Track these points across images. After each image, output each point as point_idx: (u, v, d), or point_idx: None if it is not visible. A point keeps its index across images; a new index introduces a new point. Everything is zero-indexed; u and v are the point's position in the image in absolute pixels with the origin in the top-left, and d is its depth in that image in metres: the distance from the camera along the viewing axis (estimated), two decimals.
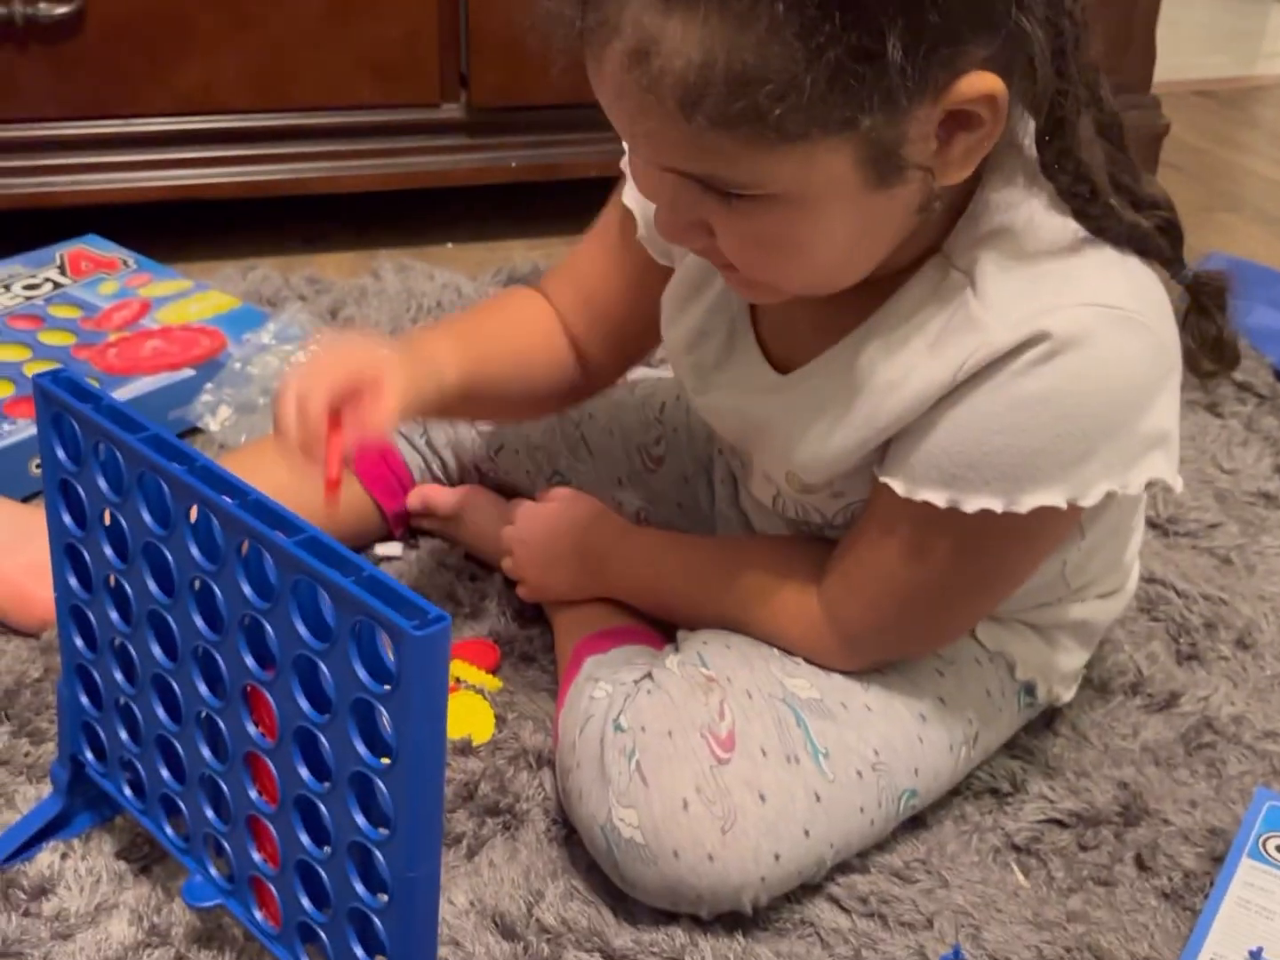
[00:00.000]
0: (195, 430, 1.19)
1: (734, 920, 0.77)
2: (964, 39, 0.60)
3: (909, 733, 0.80)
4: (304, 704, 0.61)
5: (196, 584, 0.66)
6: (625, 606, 0.91)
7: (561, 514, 0.93)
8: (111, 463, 0.69)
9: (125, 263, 1.36)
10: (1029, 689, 0.86)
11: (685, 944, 0.76)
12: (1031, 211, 0.69)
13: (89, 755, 0.78)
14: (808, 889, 0.80)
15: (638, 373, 1.06)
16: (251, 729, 0.65)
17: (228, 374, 1.20)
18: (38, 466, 1.10)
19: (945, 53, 0.59)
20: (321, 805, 0.63)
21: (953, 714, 0.82)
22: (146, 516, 0.67)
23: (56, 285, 1.31)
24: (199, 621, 0.66)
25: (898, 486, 0.72)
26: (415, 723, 0.56)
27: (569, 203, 1.67)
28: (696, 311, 0.82)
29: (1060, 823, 0.85)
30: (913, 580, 0.75)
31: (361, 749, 0.59)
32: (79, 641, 0.75)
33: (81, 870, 0.78)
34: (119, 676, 0.73)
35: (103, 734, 0.77)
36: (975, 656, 0.84)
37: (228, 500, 0.62)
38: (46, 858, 0.79)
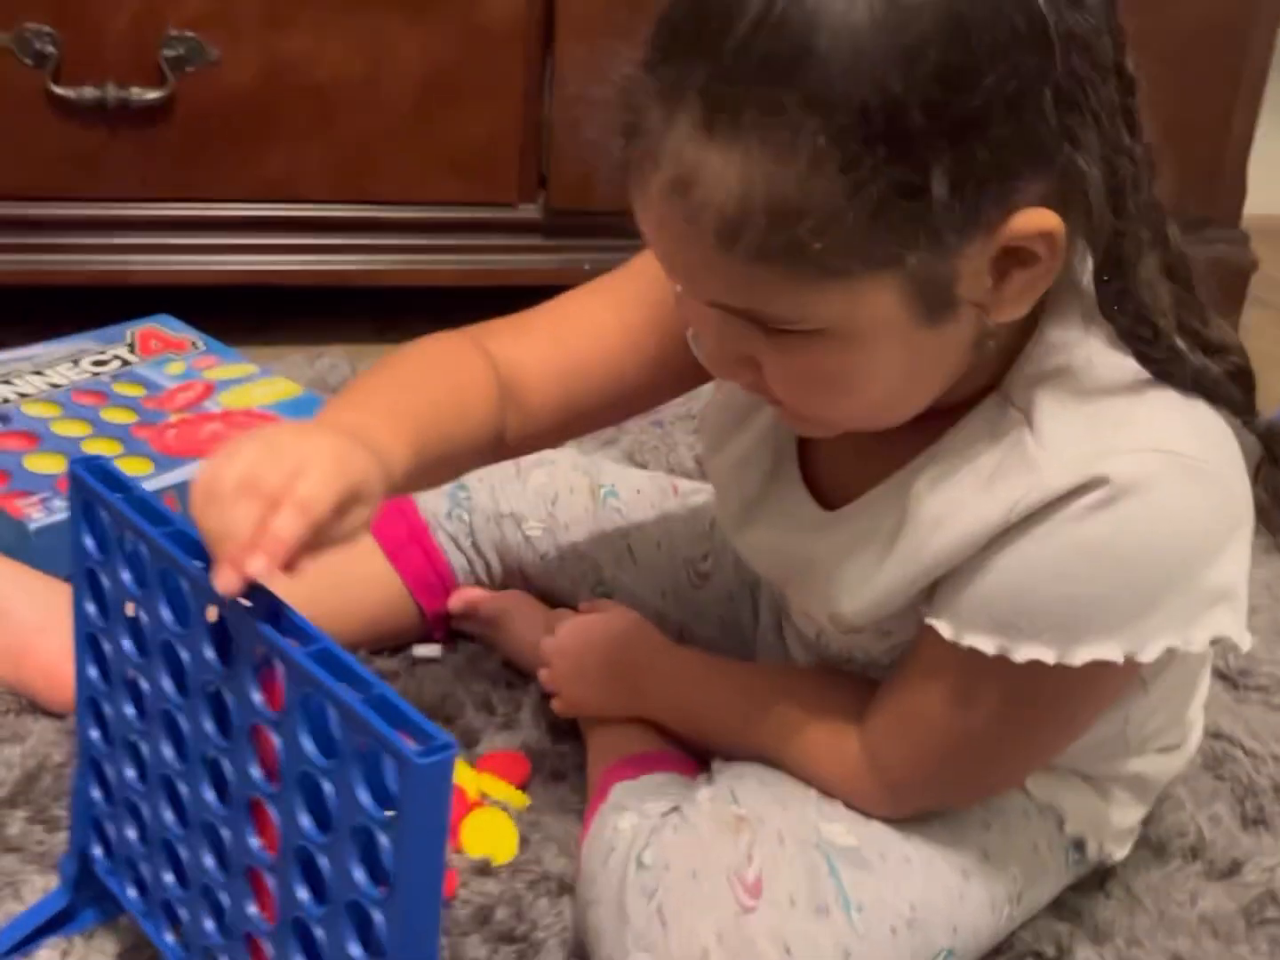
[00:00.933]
0: None
1: None
2: (1016, 174, 0.58)
3: (950, 888, 0.75)
4: (305, 823, 0.59)
5: (210, 687, 0.64)
6: (662, 730, 0.88)
7: (601, 627, 0.91)
8: (135, 555, 0.67)
9: (194, 344, 1.37)
10: (1078, 845, 0.82)
11: None
12: (1090, 351, 0.66)
13: (97, 851, 0.76)
14: None
15: (687, 484, 1.04)
16: (254, 842, 0.63)
17: None
18: None
19: (996, 189, 0.58)
20: (317, 929, 0.60)
21: (997, 869, 0.77)
22: (166, 613, 0.65)
23: (125, 363, 1.32)
24: (209, 726, 0.64)
25: (944, 630, 0.68)
26: (414, 852, 0.53)
27: None
28: (744, 440, 0.79)
29: None
30: (958, 729, 0.71)
31: (359, 876, 0.56)
32: (94, 733, 0.74)
33: None
34: (130, 774, 0.71)
35: (111, 831, 0.74)
36: (1023, 809, 0.79)
37: (244, 603, 0.60)
38: (46, 955, 0.77)
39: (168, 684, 0.66)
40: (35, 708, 0.95)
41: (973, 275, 0.60)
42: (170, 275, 1.45)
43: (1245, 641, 0.68)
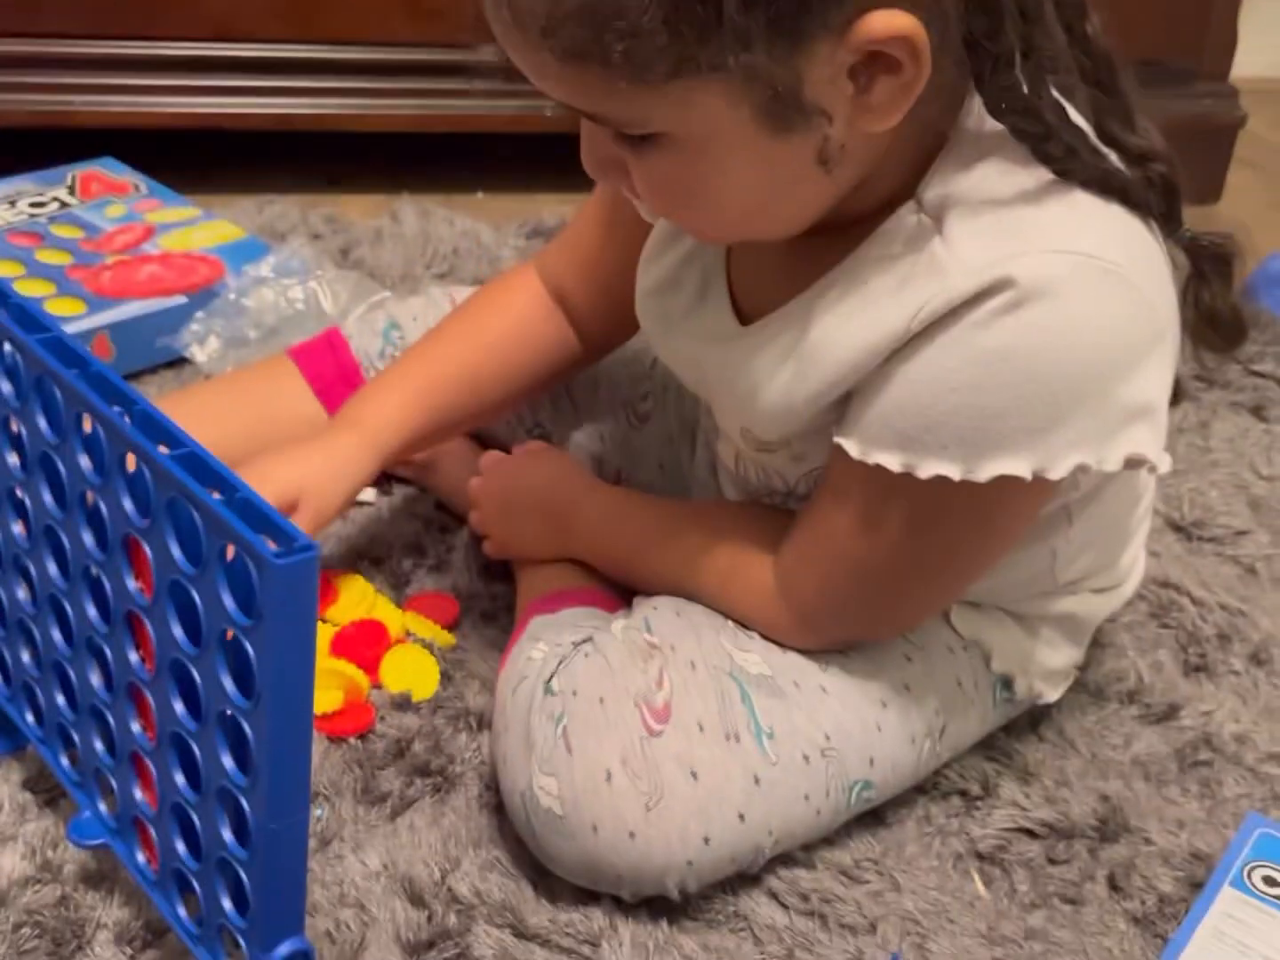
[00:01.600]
0: (182, 360, 1.15)
1: (660, 906, 0.72)
2: None
3: (866, 719, 0.74)
4: (178, 633, 0.57)
5: (88, 499, 0.61)
6: (590, 570, 0.86)
7: (528, 468, 0.88)
8: (14, 366, 0.64)
9: (137, 187, 1.33)
10: (1006, 683, 0.80)
11: (604, 928, 0.71)
12: (1009, 156, 0.62)
13: None
14: (744, 880, 0.74)
15: None
16: (134, 658, 0.61)
17: (221, 304, 1.16)
18: None
19: None
20: (195, 745, 0.58)
21: (918, 703, 0.76)
22: (43, 423, 0.62)
23: (63, 205, 1.28)
24: (88, 539, 0.62)
25: (851, 449, 0.66)
26: (278, 659, 0.51)
27: None
28: (669, 260, 0.77)
29: (1030, 832, 0.79)
30: (866, 554, 0.69)
31: (230, 686, 0.54)
32: None
33: None
34: (21, 594, 0.69)
35: (7, 656, 0.73)
36: (948, 644, 0.78)
37: (116, 410, 0.58)
38: None
39: (48, 498, 0.64)
40: None
41: (825, 82, 0.58)
42: (113, 116, 1.40)
43: (1164, 463, 0.65)
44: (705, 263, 0.76)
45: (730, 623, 0.75)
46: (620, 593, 0.85)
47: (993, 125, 0.62)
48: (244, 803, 0.56)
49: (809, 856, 0.76)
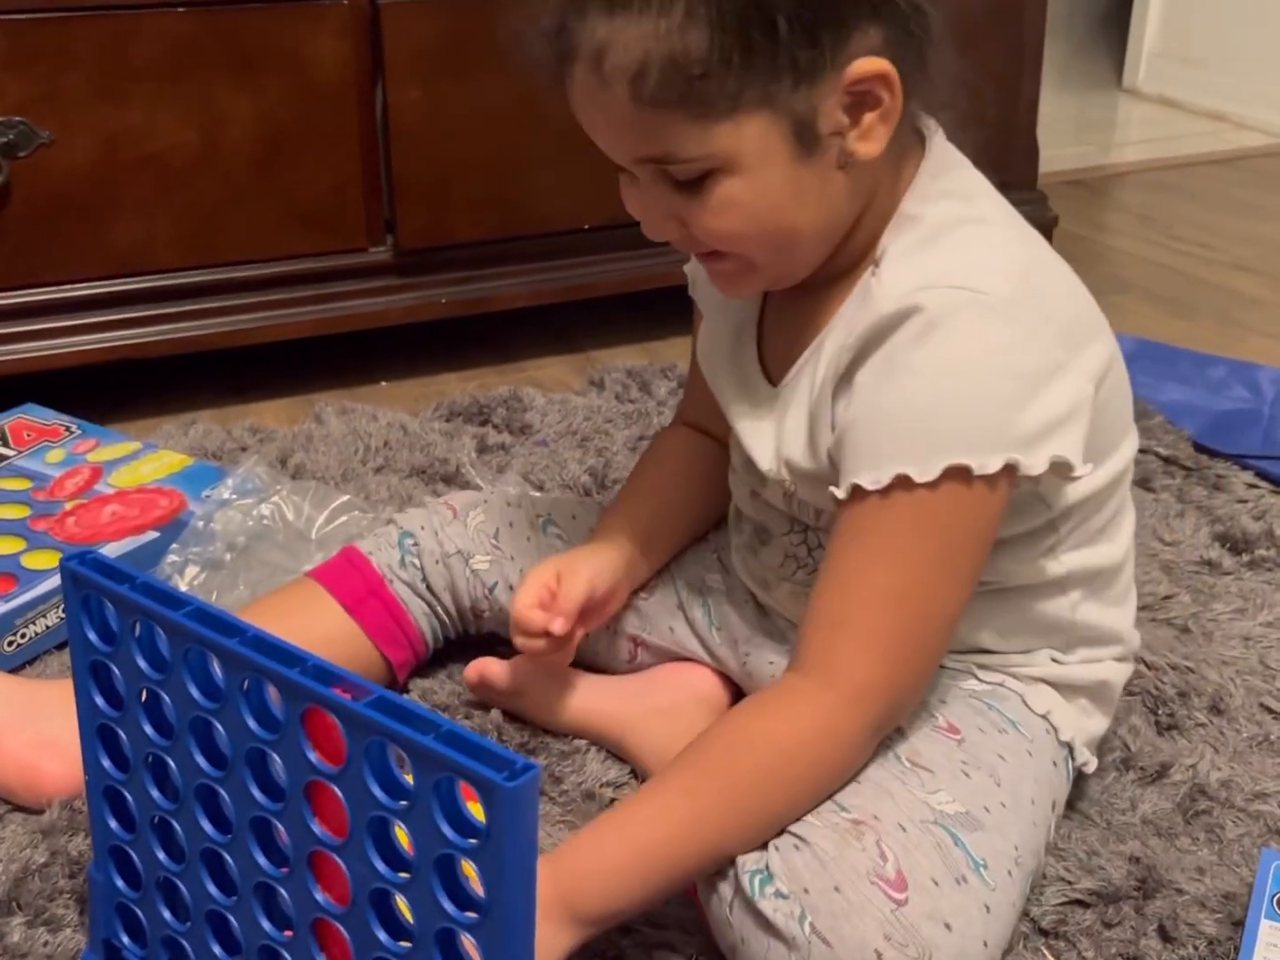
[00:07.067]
0: None
1: None
2: (847, 21, 0.74)
3: (1026, 819, 0.82)
4: (381, 866, 0.62)
5: (252, 754, 0.66)
6: None
7: None
8: (148, 640, 0.69)
9: (69, 429, 1.35)
10: (1069, 754, 0.90)
11: None
12: (938, 201, 0.80)
13: (125, 939, 0.77)
14: None
15: None
16: (320, 895, 0.65)
17: (191, 533, 1.19)
18: (9, 644, 1.08)
19: (833, 34, 0.73)
20: None
21: (1043, 792, 0.85)
22: (194, 691, 0.67)
23: (1, 458, 1.30)
24: (256, 792, 0.66)
25: (838, 492, 0.78)
26: (510, 874, 0.57)
27: (498, 334, 1.71)
28: (719, 324, 0.94)
29: (1082, 903, 0.88)
30: (880, 587, 0.77)
31: (449, 906, 0.59)
32: (113, 823, 0.74)
33: None
34: (161, 854, 0.72)
35: (141, 915, 0.75)
36: (1044, 728, 0.88)
37: (285, 669, 0.63)
38: None
39: (201, 760, 0.68)
40: None
41: (830, 113, 0.76)
42: (28, 363, 1.43)
43: (1083, 468, 0.77)
44: (739, 320, 0.92)
45: (903, 759, 0.81)
46: None
47: (925, 179, 0.81)
48: None
49: None
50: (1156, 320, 1.84)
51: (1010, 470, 0.76)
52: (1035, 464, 0.76)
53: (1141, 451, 1.41)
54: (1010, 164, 1.84)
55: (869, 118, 0.76)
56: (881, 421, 0.77)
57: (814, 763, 0.78)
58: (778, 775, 0.77)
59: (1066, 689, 0.90)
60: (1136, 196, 2.45)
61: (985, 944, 0.75)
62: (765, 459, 0.88)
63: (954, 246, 0.79)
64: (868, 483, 0.76)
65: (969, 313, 0.75)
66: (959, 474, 0.75)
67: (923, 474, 0.75)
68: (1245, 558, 1.26)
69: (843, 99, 0.75)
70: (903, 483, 0.75)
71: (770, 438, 0.87)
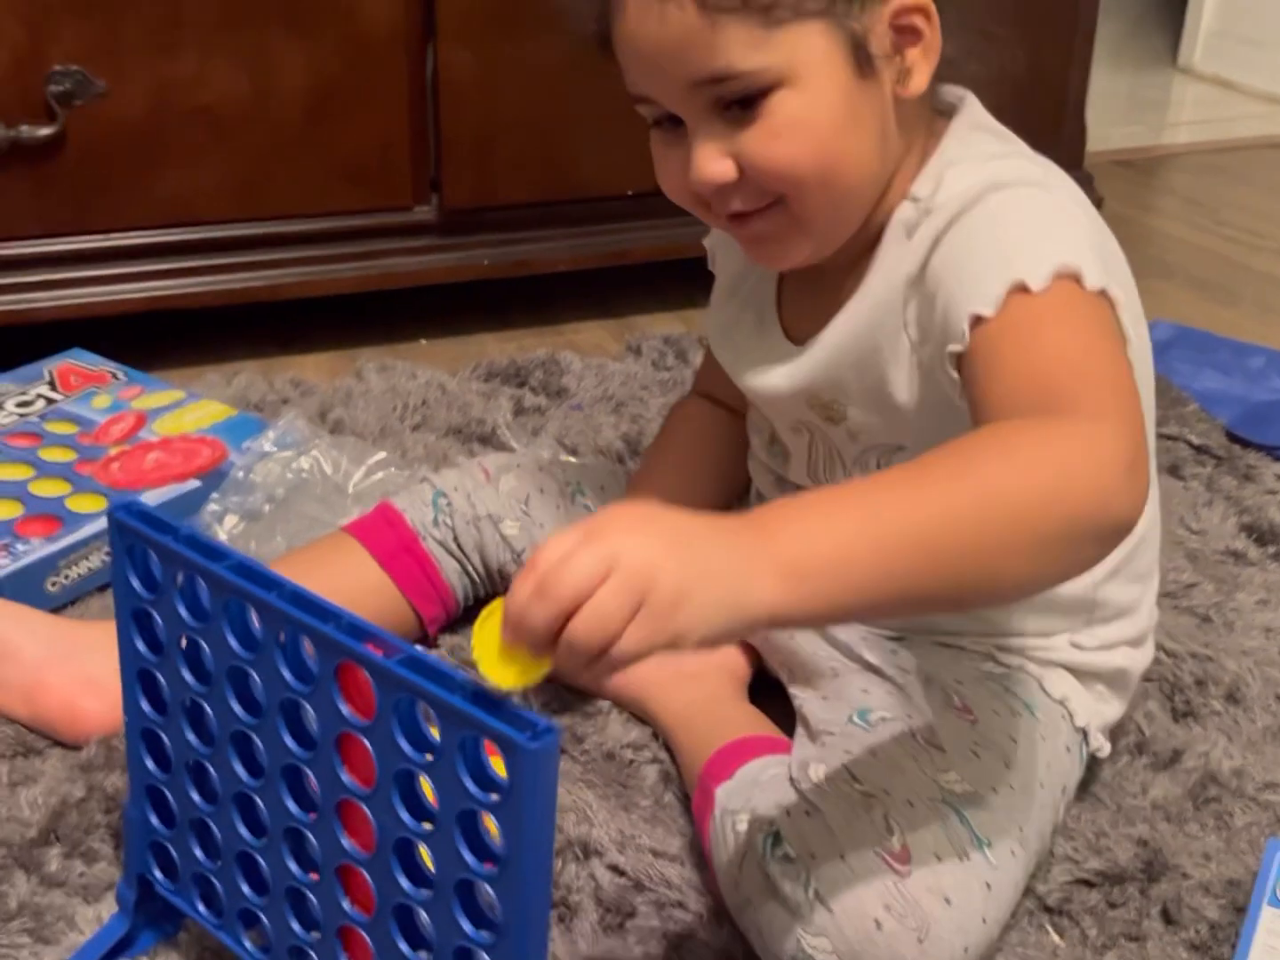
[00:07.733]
0: None
1: None
2: None
3: (1034, 802, 0.84)
4: (405, 816, 0.64)
5: (286, 704, 0.68)
6: (733, 703, 0.96)
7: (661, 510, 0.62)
8: (190, 590, 0.71)
9: (115, 376, 1.38)
10: (1084, 739, 0.91)
11: None
12: (970, 143, 0.82)
13: (158, 874, 0.80)
14: None
15: None
16: (346, 842, 0.68)
17: (232, 483, 1.22)
18: (53, 584, 1.11)
19: None
20: (422, 912, 0.65)
21: (1053, 776, 0.87)
22: (233, 641, 0.69)
23: (49, 401, 1.33)
24: (289, 740, 0.68)
25: (956, 346, 0.74)
26: (529, 831, 0.59)
27: (538, 296, 1.73)
28: (731, 308, 0.96)
29: (1087, 883, 0.89)
30: (1068, 345, 0.72)
31: (469, 857, 0.62)
32: (150, 763, 0.77)
33: None
34: (195, 795, 0.75)
35: (174, 852, 0.78)
36: (1057, 714, 0.89)
37: (321, 624, 0.65)
38: None
39: (237, 707, 0.70)
40: (36, 750, 0.97)
41: (879, 37, 0.78)
42: (75, 309, 1.46)
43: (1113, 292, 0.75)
44: (758, 303, 0.93)
45: (919, 739, 0.82)
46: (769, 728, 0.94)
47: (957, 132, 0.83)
48: (484, 958, 0.63)
49: None
50: (1198, 307, 1.83)
51: (1104, 295, 0.74)
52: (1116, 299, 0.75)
53: (1173, 439, 1.43)
54: (1057, 143, 1.83)
55: (912, 53, 0.79)
56: (979, 259, 0.76)
57: (1085, 489, 0.65)
58: (1045, 495, 0.65)
59: (1084, 675, 0.91)
60: (1186, 179, 2.43)
61: (984, 920, 0.77)
62: (795, 383, 0.89)
63: (1010, 166, 0.80)
64: (987, 307, 0.72)
65: (1041, 191, 0.78)
66: (1068, 279, 0.73)
67: (1036, 280, 0.72)
68: (1271, 549, 1.27)
69: (888, 31, 0.78)
70: (1020, 291, 0.72)
71: (805, 372, 0.88)
